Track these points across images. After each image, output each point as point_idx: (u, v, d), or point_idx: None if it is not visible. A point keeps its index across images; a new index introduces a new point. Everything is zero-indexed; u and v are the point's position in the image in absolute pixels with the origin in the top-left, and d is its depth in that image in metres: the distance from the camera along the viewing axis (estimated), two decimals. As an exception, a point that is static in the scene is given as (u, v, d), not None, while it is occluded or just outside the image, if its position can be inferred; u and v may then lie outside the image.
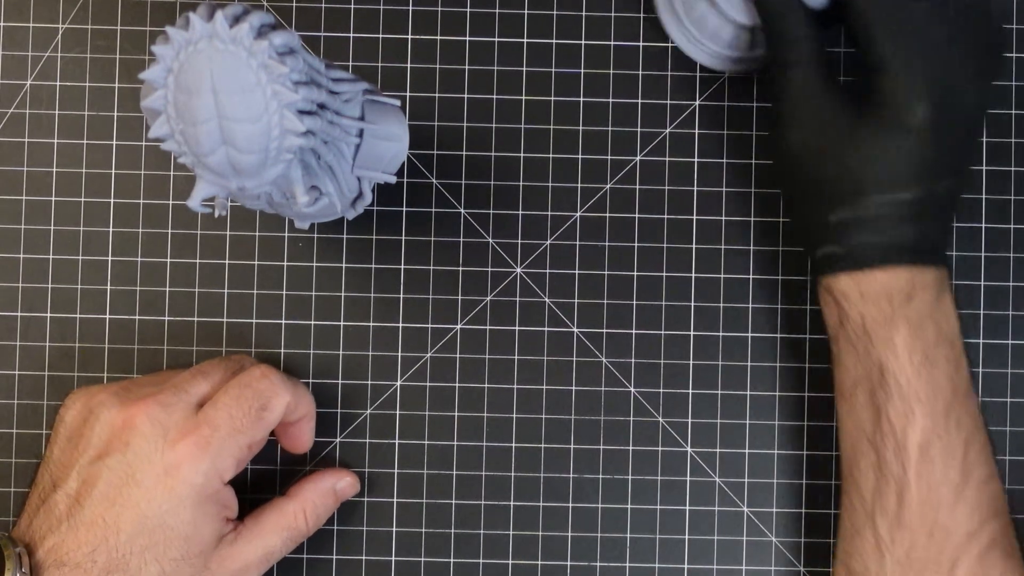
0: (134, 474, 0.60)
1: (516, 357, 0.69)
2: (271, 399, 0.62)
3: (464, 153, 0.69)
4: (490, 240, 0.69)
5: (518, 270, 0.69)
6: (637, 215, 0.69)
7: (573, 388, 0.69)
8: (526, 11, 0.69)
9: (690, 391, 0.68)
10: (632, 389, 0.69)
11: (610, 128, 0.69)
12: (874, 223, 0.60)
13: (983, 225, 0.69)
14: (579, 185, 0.69)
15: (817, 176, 0.60)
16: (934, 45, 0.59)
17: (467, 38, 0.69)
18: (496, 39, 0.69)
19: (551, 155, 0.69)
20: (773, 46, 0.61)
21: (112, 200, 0.69)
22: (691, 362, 0.69)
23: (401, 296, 0.69)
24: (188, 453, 0.60)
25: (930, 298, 0.61)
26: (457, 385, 0.69)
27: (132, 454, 0.60)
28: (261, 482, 0.68)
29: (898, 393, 0.60)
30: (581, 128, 0.69)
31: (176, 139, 0.55)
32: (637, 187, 0.69)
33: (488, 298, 0.69)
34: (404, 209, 0.69)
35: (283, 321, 0.69)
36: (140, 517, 0.60)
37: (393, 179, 0.61)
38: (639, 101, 0.69)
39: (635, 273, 0.69)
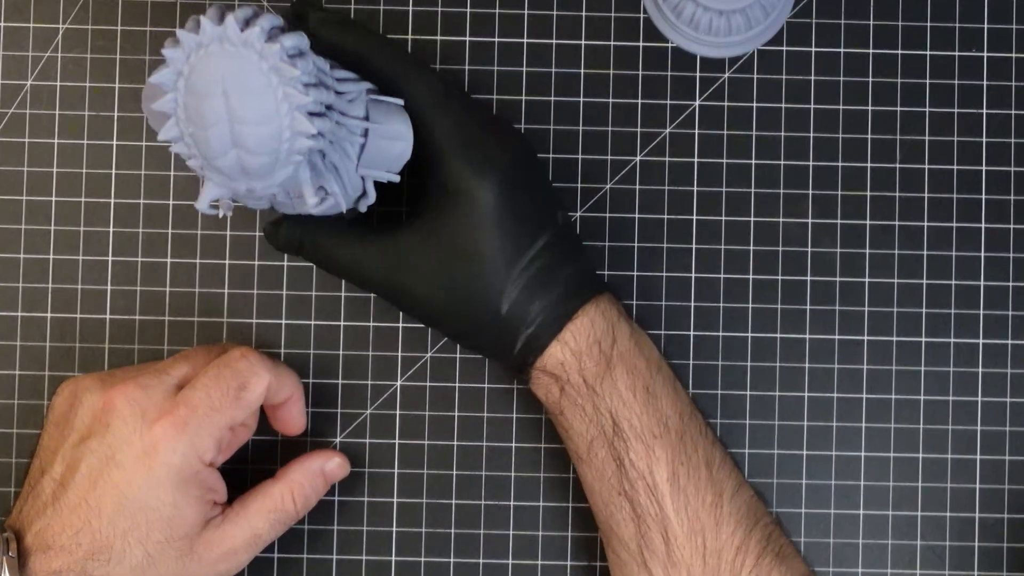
0: (114, 456, 0.60)
1: (516, 357, 0.69)
2: (250, 379, 0.62)
3: (464, 153, 0.69)
4: (490, 240, 0.69)
5: (518, 270, 0.69)
6: (637, 215, 0.69)
7: (573, 388, 0.69)
8: (526, 11, 0.69)
9: (690, 391, 0.68)
10: (632, 389, 0.69)
11: (610, 128, 0.69)
12: (539, 284, 0.61)
13: (983, 225, 0.69)
14: (579, 185, 0.69)
15: (464, 292, 0.61)
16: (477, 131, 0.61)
17: (467, 38, 0.69)
18: (496, 39, 0.69)
19: (551, 155, 0.69)
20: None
21: (112, 200, 0.69)
22: (691, 362, 0.69)
23: (401, 296, 0.69)
24: (165, 433, 0.60)
25: (625, 330, 0.62)
26: (457, 385, 0.69)
27: (112, 436, 0.61)
28: (262, 479, 0.68)
29: (634, 435, 0.61)
30: (581, 128, 0.69)
31: (186, 141, 0.55)
32: (637, 187, 0.69)
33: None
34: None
35: (283, 321, 0.69)
36: (121, 499, 0.60)
37: (397, 178, 0.61)
38: (639, 101, 0.69)
39: (635, 273, 0.69)
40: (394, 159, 0.61)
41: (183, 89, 0.54)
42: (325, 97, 0.55)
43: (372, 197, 0.61)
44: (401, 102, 0.61)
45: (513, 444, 0.69)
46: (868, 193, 0.69)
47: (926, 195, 0.69)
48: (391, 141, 0.60)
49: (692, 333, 0.69)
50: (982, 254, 0.69)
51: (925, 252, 0.69)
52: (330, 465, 0.67)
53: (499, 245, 0.60)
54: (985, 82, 0.69)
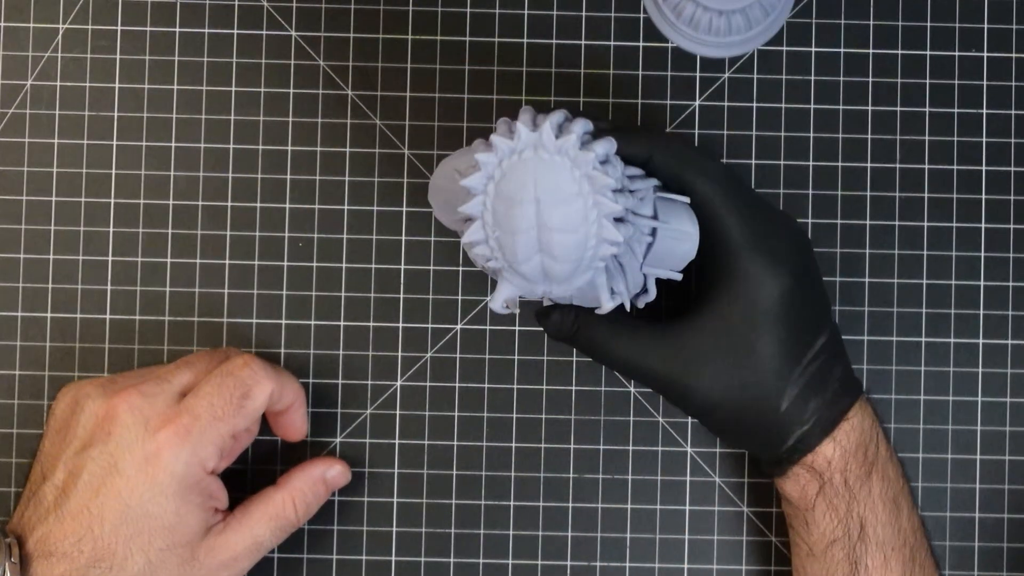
0: (117, 463, 0.60)
1: (516, 357, 0.69)
2: (253, 387, 0.62)
3: (464, 153, 0.69)
4: (490, 240, 0.69)
5: (518, 270, 0.69)
6: (637, 215, 0.69)
7: (573, 388, 0.69)
8: (526, 11, 0.69)
9: (690, 391, 0.68)
10: (632, 389, 0.69)
11: (610, 128, 0.69)
12: (817, 382, 0.61)
13: (983, 225, 0.69)
14: (579, 185, 0.69)
15: (746, 389, 0.60)
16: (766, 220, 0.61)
17: (467, 38, 0.69)
18: (496, 39, 0.69)
19: (551, 155, 0.69)
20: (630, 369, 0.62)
21: (112, 200, 0.69)
22: (691, 362, 0.69)
23: (401, 296, 0.69)
24: (168, 441, 0.60)
25: (883, 435, 0.63)
26: (457, 385, 0.69)
27: (114, 444, 0.61)
28: (263, 481, 0.68)
29: (876, 544, 0.61)
30: (581, 128, 0.69)
31: (489, 245, 0.55)
32: (637, 187, 0.69)
33: (488, 298, 0.69)
34: (404, 209, 0.69)
35: (283, 321, 0.69)
36: (123, 506, 0.60)
37: (679, 276, 0.60)
38: (639, 101, 0.69)
39: (635, 273, 0.69)
40: (679, 258, 0.59)
41: (493, 193, 0.54)
42: (629, 203, 0.54)
43: (652, 294, 0.60)
44: (687, 200, 0.59)
45: (513, 444, 0.69)
46: (868, 193, 0.69)
47: (926, 195, 0.69)
48: (678, 240, 0.59)
49: (692, 333, 0.69)
50: (982, 254, 0.69)
51: (925, 252, 0.69)
52: (331, 472, 0.67)
53: (786, 343, 0.60)
54: (985, 82, 0.69)
